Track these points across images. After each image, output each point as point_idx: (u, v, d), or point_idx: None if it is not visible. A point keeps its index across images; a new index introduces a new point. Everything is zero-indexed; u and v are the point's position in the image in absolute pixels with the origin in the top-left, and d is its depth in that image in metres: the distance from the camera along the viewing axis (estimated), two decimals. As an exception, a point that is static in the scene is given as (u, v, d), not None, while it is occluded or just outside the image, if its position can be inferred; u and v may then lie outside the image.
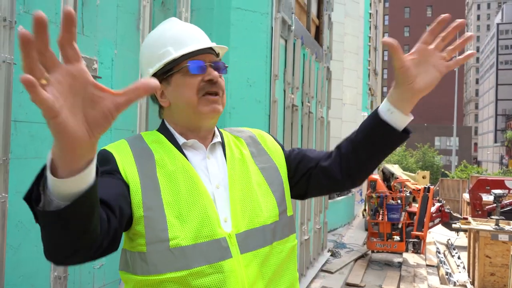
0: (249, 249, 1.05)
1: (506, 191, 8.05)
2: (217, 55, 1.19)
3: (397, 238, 7.61)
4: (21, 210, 2.36)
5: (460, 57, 1.04)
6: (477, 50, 79.76)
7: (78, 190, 0.71)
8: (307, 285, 5.68)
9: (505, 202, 8.41)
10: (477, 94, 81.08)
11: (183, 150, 1.11)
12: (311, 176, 1.20)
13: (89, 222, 0.78)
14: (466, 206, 11.77)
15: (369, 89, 15.45)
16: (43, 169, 0.71)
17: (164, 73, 1.12)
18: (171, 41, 1.12)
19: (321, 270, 6.53)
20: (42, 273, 2.51)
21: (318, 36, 7.05)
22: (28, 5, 2.41)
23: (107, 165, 1.02)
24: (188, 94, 1.10)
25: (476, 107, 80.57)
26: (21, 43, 0.55)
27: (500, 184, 9.41)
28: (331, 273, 6.48)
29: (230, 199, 1.08)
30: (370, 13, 15.32)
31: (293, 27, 4.92)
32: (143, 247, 0.99)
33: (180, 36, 1.13)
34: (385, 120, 1.07)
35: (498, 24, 71.03)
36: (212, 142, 1.15)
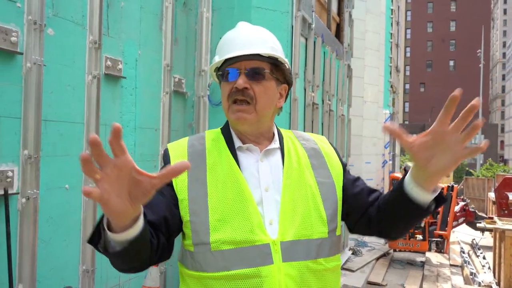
0: (292, 259, 1.05)
1: (534, 190, 7.84)
2: (275, 59, 1.19)
3: (419, 237, 7.51)
4: (51, 206, 2.45)
5: (481, 145, 0.89)
6: (504, 45, 77.45)
7: (128, 238, 0.89)
8: (328, 283, 5.66)
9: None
10: (503, 90, 78.56)
11: (237, 152, 1.15)
12: (359, 220, 1.21)
13: (139, 256, 0.95)
14: (492, 205, 11.50)
15: (391, 86, 15.22)
16: (102, 219, 0.90)
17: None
18: (220, 48, 1.19)
19: (342, 268, 6.51)
20: (71, 266, 2.60)
21: (338, 33, 7.01)
22: (56, 8, 2.49)
23: (163, 167, 1.15)
24: (223, 100, 1.17)
25: (503, 104, 78.15)
26: (83, 165, 0.75)
27: (528, 183, 9.17)
28: (352, 271, 6.45)
29: (281, 205, 1.09)
30: (392, 9, 15.07)
31: (313, 25, 4.92)
32: (191, 247, 1.09)
33: (227, 42, 1.17)
34: (407, 193, 1.03)
35: (525, 18, 68.78)
36: (268, 148, 1.17)
